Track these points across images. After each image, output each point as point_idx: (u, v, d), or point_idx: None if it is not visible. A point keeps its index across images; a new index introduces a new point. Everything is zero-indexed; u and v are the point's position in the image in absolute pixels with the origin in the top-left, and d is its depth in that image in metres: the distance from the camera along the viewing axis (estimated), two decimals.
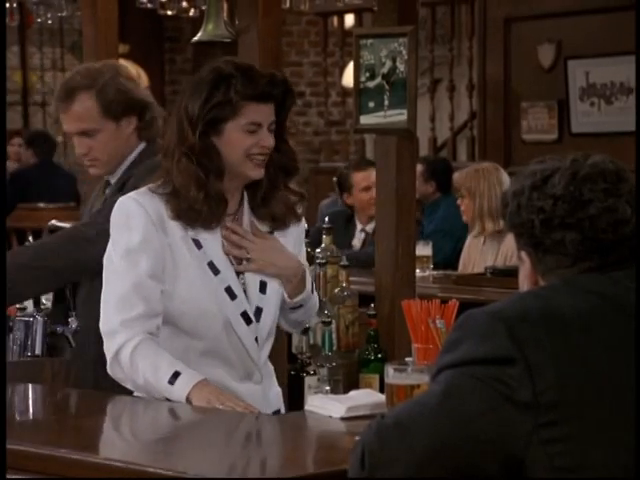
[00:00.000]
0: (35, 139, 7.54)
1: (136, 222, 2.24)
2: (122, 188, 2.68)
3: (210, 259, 2.26)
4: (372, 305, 3.09)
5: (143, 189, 2.29)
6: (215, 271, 2.26)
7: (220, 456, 1.93)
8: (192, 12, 4.83)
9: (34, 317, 2.70)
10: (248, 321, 2.28)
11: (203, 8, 3.92)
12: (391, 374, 2.01)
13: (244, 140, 2.24)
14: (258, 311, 2.30)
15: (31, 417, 2.30)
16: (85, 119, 2.67)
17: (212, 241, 2.28)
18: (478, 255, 4.76)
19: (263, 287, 2.31)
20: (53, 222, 3.82)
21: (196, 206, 2.23)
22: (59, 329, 2.76)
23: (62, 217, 4.85)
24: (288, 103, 2.30)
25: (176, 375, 2.17)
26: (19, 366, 2.64)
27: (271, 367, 2.40)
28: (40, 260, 2.62)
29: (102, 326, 2.24)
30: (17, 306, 2.97)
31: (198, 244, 2.26)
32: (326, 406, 2.12)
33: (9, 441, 1.96)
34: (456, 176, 4.92)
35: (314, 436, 2.10)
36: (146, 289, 2.21)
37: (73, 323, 2.77)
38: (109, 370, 2.25)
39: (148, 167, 2.67)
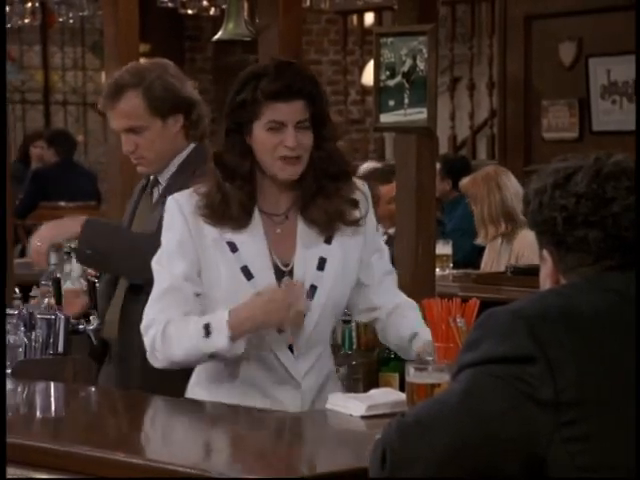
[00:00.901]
0: (55, 138, 7.57)
1: (173, 225, 2.24)
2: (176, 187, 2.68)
3: (245, 264, 2.22)
4: None
5: (190, 189, 2.27)
6: (248, 276, 2.22)
7: (241, 455, 1.94)
8: (212, 11, 4.85)
9: (56, 315, 2.71)
10: (279, 329, 2.23)
11: (223, 7, 3.93)
12: (412, 373, 2.00)
13: (268, 140, 2.20)
14: None
15: (53, 415, 2.31)
16: (132, 116, 2.67)
17: (251, 245, 2.22)
18: (496, 256, 4.76)
19: (313, 292, 2.24)
20: None
21: (213, 208, 2.21)
22: (81, 327, 2.77)
23: (83, 215, 4.86)
24: (318, 99, 2.22)
25: (207, 327, 2.14)
26: (41, 364, 2.66)
27: (323, 377, 2.30)
28: (132, 252, 2.61)
29: (142, 322, 2.25)
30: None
31: (233, 247, 2.22)
32: (346, 404, 2.12)
33: (30, 438, 1.97)
34: (461, 184, 4.94)
35: (334, 434, 2.10)
36: (180, 291, 2.21)
37: (94, 321, 2.78)
38: (151, 362, 2.23)
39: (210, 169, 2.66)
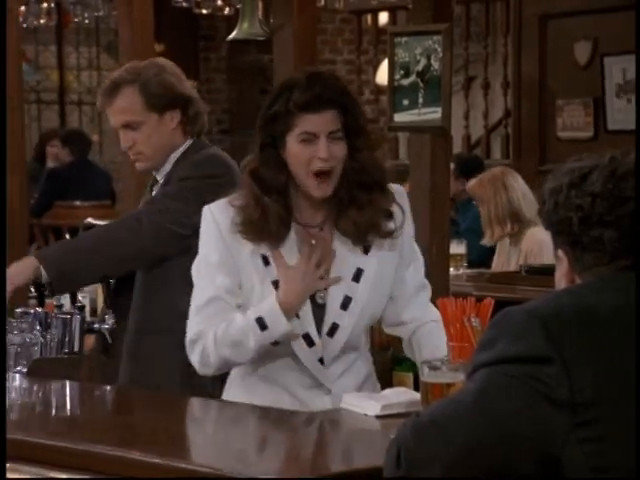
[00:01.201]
0: (70, 138, 7.59)
1: (210, 238, 2.23)
2: (168, 182, 2.73)
3: (276, 277, 2.20)
4: None
5: (224, 199, 2.25)
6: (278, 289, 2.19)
7: (255, 454, 1.94)
8: (227, 11, 4.87)
9: (72, 314, 2.72)
10: (310, 343, 2.22)
11: (238, 7, 3.94)
12: (426, 372, 2.00)
13: (301, 152, 2.17)
14: (334, 327, 2.23)
15: (68, 414, 2.32)
16: (129, 112, 2.71)
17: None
18: (506, 258, 4.76)
19: (346, 303, 2.23)
20: (89, 220, 3.86)
21: (252, 223, 2.18)
22: (96, 326, 2.79)
23: (98, 215, 4.90)
24: (350, 108, 2.18)
25: (260, 320, 2.15)
26: (57, 363, 2.67)
27: (359, 380, 2.29)
28: (102, 246, 2.66)
29: (186, 335, 2.25)
30: (54, 303, 3.00)
31: (266, 260, 2.21)
32: (361, 404, 2.12)
33: (47, 437, 1.98)
34: (468, 186, 4.93)
35: (349, 434, 2.10)
36: (222, 301, 2.21)
37: (109, 320, 2.79)
38: (202, 372, 2.24)
39: (192, 162, 2.71)
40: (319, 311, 2.24)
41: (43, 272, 2.62)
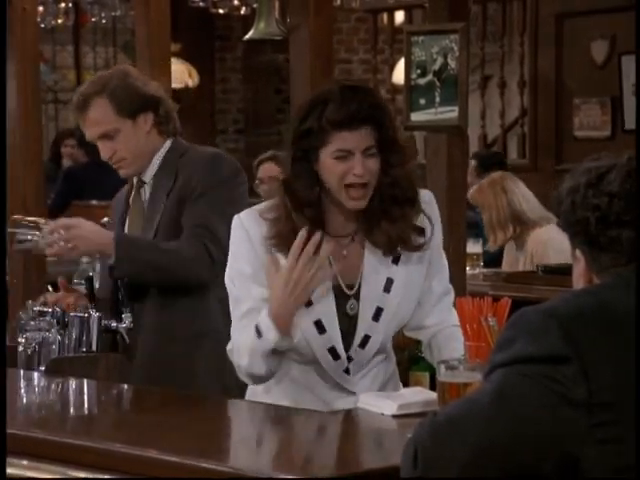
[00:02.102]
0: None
1: (242, 249, 2.22)
2: (158, 187, 2.77)
3: None
4: None
5: (255, 210, 2.24)
6: (307, 302, 2.19)
7: (271, 453, 1.95)
8: (243, 10, 4.88)
9: (89, 313, 2.74)
10: (336, 357, 2.22)
11: (254, 6, 3.96)
12: (443, 372, 2.00)
13: (335, 168, 2.15)
14: (365, 339, 2.23)
15: (86, 412, 2.33)
16: (102, 122, 2.76)
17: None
18: (513, 259, 4.76)
19: (378, 314, 2.23)
20: (106, 219, 3.88)
21: (282, 237, 2.17)
22: (113, 325, 2.80)
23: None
24: (384, 124, 2.16)
25: (257, 327, 2.15)
26: (74, 362, 2.68)
27: (381, 381, 2.30)
28: (166, 262, 2.69)
29: (230, 344, 2.25)
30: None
31: None
32: (378, 404, 2.12)
33: (65, 435, 1.99)
34: (469, 194, 4.92)
35: (366, 433, 2.10)
36: (259, 312, 2.19)
37: (127, 319, 2.80)
38: (246, 381, 2.26)
39: (206, 169, 2.73)
40: (350, 322, 2.23)
41: (113, 252, 2.67)
